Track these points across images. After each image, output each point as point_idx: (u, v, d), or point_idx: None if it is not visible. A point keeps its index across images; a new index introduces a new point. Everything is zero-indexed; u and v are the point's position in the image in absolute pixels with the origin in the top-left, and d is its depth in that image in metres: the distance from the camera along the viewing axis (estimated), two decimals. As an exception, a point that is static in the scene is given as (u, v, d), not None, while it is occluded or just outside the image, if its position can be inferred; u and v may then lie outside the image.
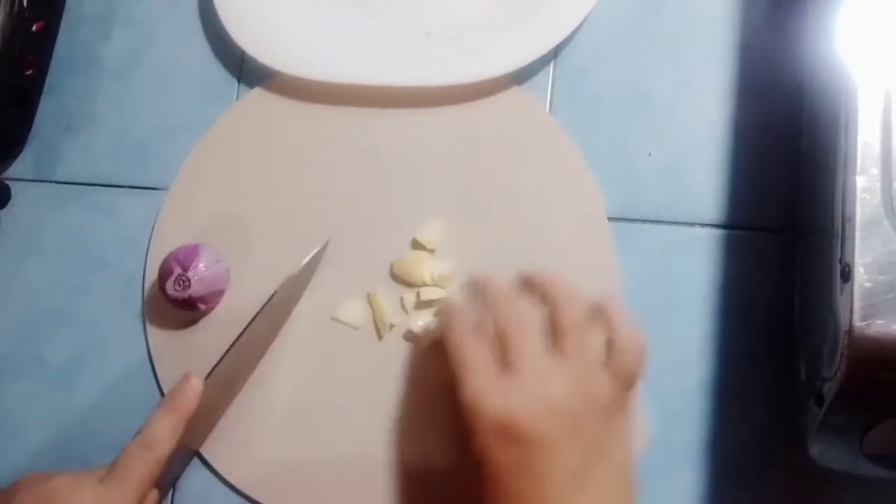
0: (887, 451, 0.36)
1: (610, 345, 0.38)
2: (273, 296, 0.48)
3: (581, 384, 0.36)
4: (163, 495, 0.46)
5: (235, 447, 0.49)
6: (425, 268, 0.48)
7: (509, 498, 0.36)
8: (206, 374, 0.46)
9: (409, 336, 0.48)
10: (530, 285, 0.40)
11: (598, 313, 0.38)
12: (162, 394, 0.51)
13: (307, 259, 0.49)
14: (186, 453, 0.48)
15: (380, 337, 0.48)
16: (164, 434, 0.43)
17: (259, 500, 0.48)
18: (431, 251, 0.49)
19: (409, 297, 0.49)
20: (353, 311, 0.49)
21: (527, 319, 0.38)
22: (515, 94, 0.51)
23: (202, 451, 0.49)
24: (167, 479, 0.46)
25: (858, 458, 0.36)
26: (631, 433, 0.38)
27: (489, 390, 0.36)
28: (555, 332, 0.38)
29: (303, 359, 0.49)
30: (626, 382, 0.37)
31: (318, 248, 0.49)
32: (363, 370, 0.48)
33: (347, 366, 0.49)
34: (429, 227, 0.49)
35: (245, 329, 0.48)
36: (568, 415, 0.36)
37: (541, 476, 0.35)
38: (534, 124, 0.50)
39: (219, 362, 0.47)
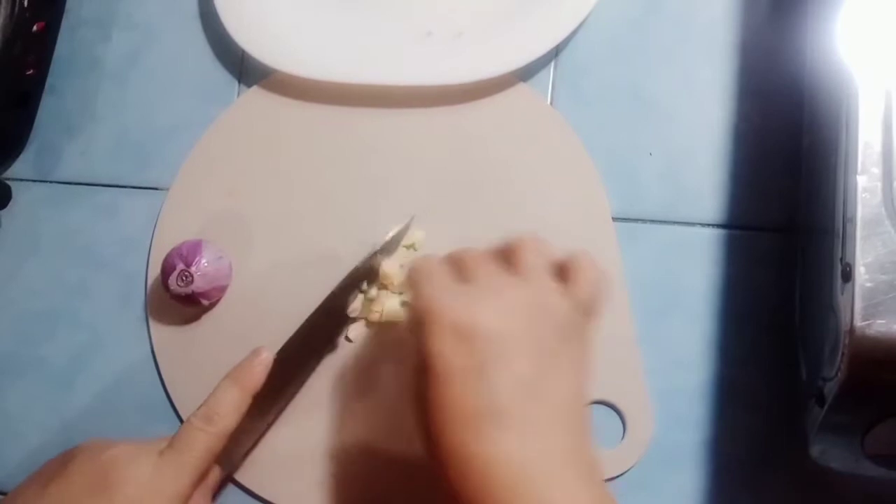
0: (888, 451, 0.36)
1: (568, 272, 0.38)
2: (354, 271, 0.46)
3: (537, 299, 0.36)
4: (224, 475, 0.45)
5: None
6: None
7: (456, 398, 0.34)
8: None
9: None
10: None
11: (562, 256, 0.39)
12: (165, 391, 0.51)
13: (391, 234, 0.46)
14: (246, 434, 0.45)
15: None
16: (228, 407, 0.42)
17: (269, 498, 0.48)
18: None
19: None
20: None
21: (483, 251, 0.39)
22: (520, 91, 0.51)
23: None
24: (227, 461, 0.44)
25: (859, 457, 0.36)
26: (587, 365, 0.37)
27: (445, 294, 0.36)
28: (509, 257, 0.39)
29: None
30: (583, 308, 0.38)
31: (402, 225, 0.47)
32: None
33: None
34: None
35: (323, 302, 0.46)
36: (523, 320, 0.35)
37: (491, 376, 0.34)
38: (539, 121, 0.50)
39: (290, 339, 0.45)
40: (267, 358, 0.44)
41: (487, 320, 0.35)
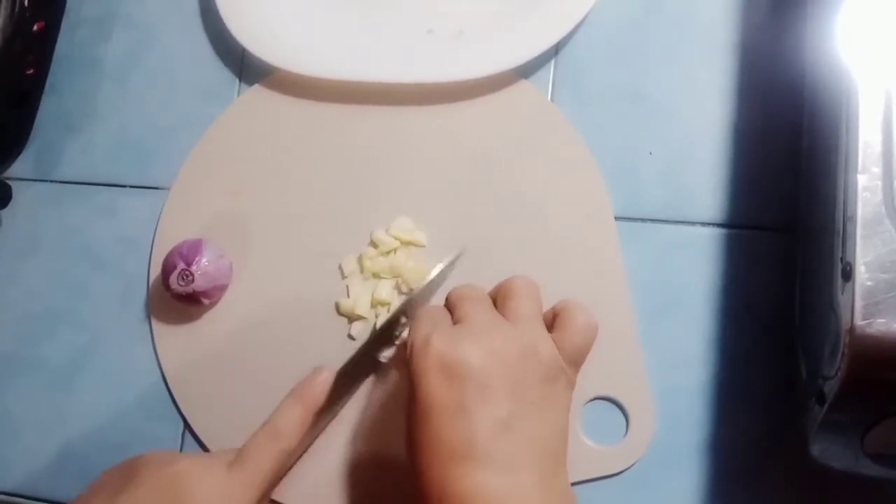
0: (888, 450, 0.36)
1: (561, 319, 0.41)
2: (407, 302, 0.47)
3: (523, 342, 0.38)
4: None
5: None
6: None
7: (437, 434, 0.37)
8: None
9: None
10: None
11: (557, 303, 0.42)
12: (168, 390, 0.51)
13: (435, 272, 0.47)
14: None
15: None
16: (294, 425, 0.43)
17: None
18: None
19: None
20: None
21: (477, 293, 0.42)
22: (521, 88, 0.50)
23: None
24: None
25: (859, 456, 0.36)
26: (568, 408, 0.40)
27: (438, 333, 0.38)
28: (503, 305, 0.41)
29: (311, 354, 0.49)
30: (570, 356, 0.40)
31: (448, 261, 0.47)
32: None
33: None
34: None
35: (372, 334, 0.47)
36: (506, 362, 0.38)
37: (470, 414, 0.36)
38: (541, 119, 0.50)
39: (348, 362, 0.46)
40: (328, 377, 0.44)
41: (472, 359, 0.37)
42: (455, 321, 0.40)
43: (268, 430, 0.42)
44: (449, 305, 0.42)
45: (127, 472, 0.41)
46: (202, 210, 0.53)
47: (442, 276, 0.47)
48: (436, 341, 0.38)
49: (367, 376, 0.48)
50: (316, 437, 0.47)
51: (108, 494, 0.41)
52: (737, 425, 0.44)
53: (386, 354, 0.47)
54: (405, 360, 0.40)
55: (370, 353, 0.47)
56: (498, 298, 0.42)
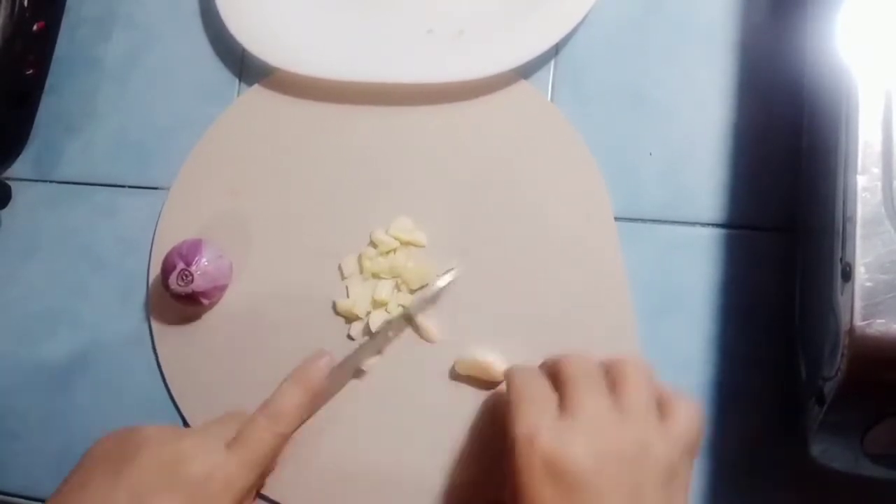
0: (888, 451, 0.36)
1: (667, 409, 0.37)
2: (396, 316, 0.47)
3: (639, 440, 0.35)
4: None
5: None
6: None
7: None
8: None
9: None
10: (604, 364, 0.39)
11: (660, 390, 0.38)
12: (167, 390, 0.51)
13: (433, 289, 0.48)
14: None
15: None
16: (293, 408, 0.43)
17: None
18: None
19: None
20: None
21: (590, 372, 0.38)
22: (521, 88, 0.50)
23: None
24: None
25: (859, 457, 0.36)
26: None
27: (545, 426, 0.35)
28: (614, 390, 0.37)
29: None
30: (684, 447, 0.36)
31: (444, 275, 0.48)
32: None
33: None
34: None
35: (367, 342, 0.47)
36: (622, 466, 0.34)
37: None
38: (541, 119, 0.50)
39: (335, 367, 0.46)
40: (328, 360, 0.45)
41: (583, 461, 0.34)
42: (563, 407, 0.36)
43: (267, 412, 0.43)
44: (556, 381, 0.38)
45: (126, 448, 0.41)
46: (202, 210, 0.53)
47: (438, 291, 0.48)
48: (543, 437, 0.34)
49: (347, 381, 0.48)
50: (299, 425, 0.47)
51: (107, 472, 0.40)
52: (737, 425, 0.44)
53: (370, 363, 0.48)
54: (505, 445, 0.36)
55: (354, 361, 0.47)
56: (609, 374, 0.38)
